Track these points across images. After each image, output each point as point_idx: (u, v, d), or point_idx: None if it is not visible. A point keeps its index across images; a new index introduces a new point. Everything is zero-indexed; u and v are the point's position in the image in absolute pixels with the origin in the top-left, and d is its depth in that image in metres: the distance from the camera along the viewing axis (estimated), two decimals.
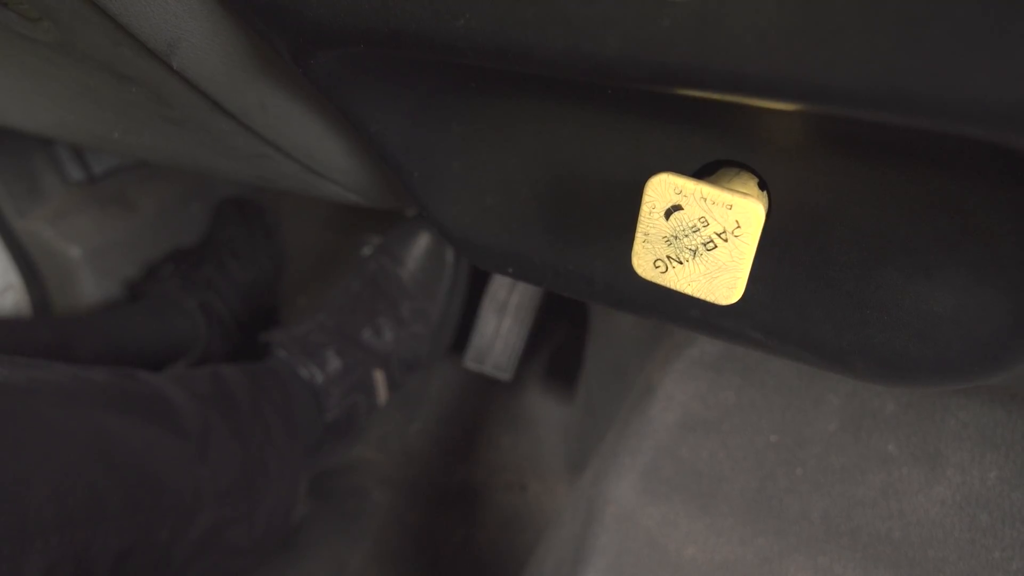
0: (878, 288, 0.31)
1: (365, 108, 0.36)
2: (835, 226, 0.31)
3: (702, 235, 0.26)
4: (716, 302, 0.27)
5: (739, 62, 0.21)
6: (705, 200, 0.25)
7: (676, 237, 0.26)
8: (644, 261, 0.28)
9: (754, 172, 0.31)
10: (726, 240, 0.26)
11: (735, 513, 0.58)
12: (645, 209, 0.26)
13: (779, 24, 0.21)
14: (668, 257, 0.27)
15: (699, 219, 0.26)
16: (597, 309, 0.91)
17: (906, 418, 0.55)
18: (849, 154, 0.29)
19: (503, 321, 0.93)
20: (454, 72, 0.34)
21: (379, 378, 0.86)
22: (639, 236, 0.27)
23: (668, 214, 0.26)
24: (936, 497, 0.53)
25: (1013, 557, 0.51)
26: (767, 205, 0.31)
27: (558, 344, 1.07)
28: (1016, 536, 0.51)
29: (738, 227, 0.25)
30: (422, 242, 0.87)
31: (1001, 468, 0.52)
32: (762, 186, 0.31)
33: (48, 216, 0.95)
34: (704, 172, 0.32)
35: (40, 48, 0.42)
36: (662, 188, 0.26)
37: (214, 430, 0.64)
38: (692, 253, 0.27)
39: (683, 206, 0.26)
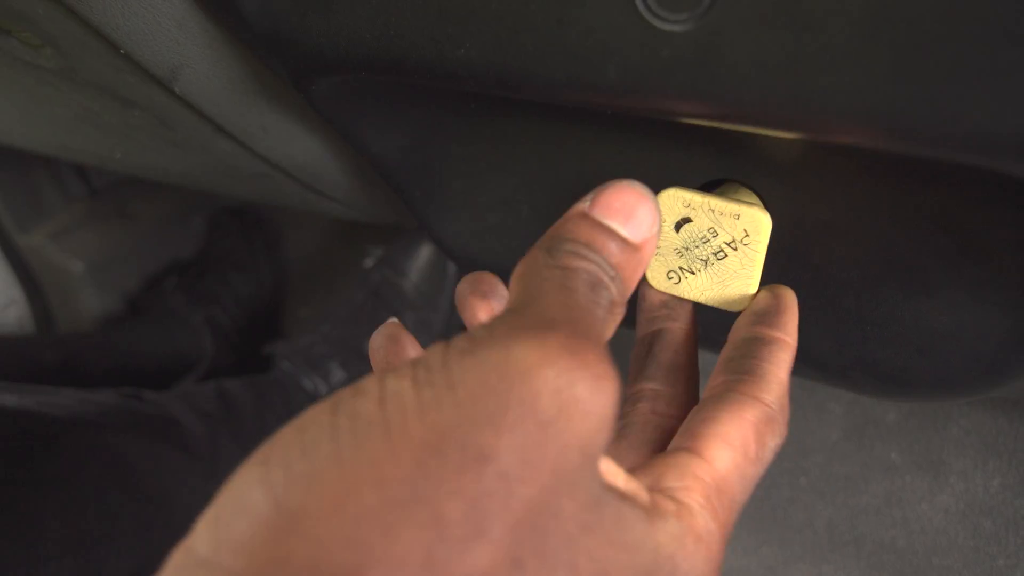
0: (878, 305, 0.31)
1: (366, 130, 0.37)
2: (835, 244, 0.31)
3: (712, 245, 0.27)
4: (729, 309, 0.28)
5: (737, 92, 0.22)
6: (713, 211, 0.26)
7: (687, 248, 0.27)
8: (657, 273, 0.28)
9: (755, 191, 0.31)
10: (735, 249, 0.27)
11: (739, 523, 0.58)
12: None
13: (777, 55, 0.21)
14: (680, 268, 0.28)
15: (708, 230, 0.27)
16: None
17: (908, 426, 0.56)
18: (848, 174, 0.29)
19: None
20: (454, 95, 0.34)
21: None
22: None
23: (678, 227, 0.27)
24: (940, 505, 0.53)
25: (1018, 564, 0.51)
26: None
27: None
28: (1020, 543, 0.51)
29: (746, 236, 0.26)
30: (424, 253, 0.88)
31: (1004, 475, 0.52)
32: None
33: (50, 231, 0.95)
34: (707, 188, 0.32)
35: (43, 74, 0.42)
36: (671, 202, 0.27)
37: (222, 447, 0.64)
38: (703, 263, 0.28)
39: (692, 218, 0.27)
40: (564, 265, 0.19)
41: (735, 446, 0.22)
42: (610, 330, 0.20)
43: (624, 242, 0.21)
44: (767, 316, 0.26)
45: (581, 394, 0.16)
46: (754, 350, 0.25)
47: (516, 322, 0.17)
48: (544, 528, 0.16)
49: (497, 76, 0.26)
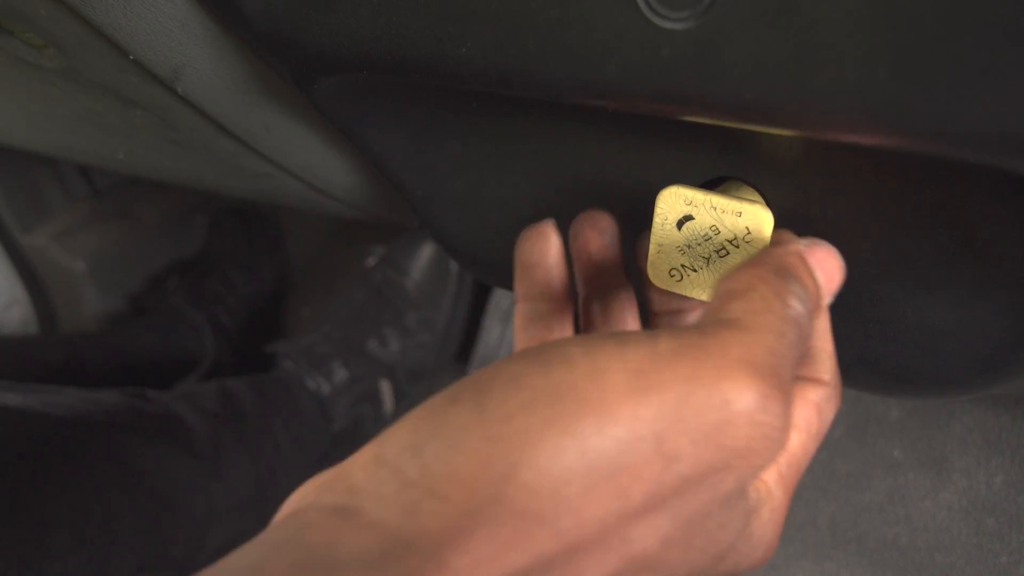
0: (880, 302, 0.31)
1: (368, 129, 0.37)
2: (836, 241, 0.31)
3: (714, 243, 0.27)
4: None
5: (738, 90, 0.22)
6: (715, 209, 0.26)
7: (689, 246, 0.27)
8: (659, 271, 0.28)
9: (756, 189, 0.31)
10: (738, 246, 0.27)
11: None
12: (658, 221, 0.27)
13: (778, 53, 0.21)
14: (683, 266, 0.28)
15: (710, 227, 0.27)
16: None
17: (911, 424, 0.56)
18: (849, 171, 0.29)
19: (507, 330, 0.93)
20: (455, 93, 0.34)
21: (385, 388, 0.87)
22: (653, 247, 0.28)
23: (680, 224, 0.27)
24: (942, 502, 0.53)
25: (1020, 561, 0.51)
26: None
27: None
28: (1023, 540, 0.51)
29: (748, 233, 0.26)
30: (426, 252, 0.88)
31: (1007, 472, 0.52)
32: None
33: (53, 231, 0.95)
34: (708, 186, 0.32)
35: (46, 74, 0.42)
36: (673, 200, 0.27)
37: (225, 446, 0.64)
38: (706, 261, 0.28)
39: (694, 216, 0.27)
40: (789, 308, 0.21)
41: (801, 427, 0.24)
42: (793, 369, 0.21)
43: (821, 308, 0.23)
44: None
45: (764, 440, 0.18)
46: None
47: (730, 349, 0.19)
48: (698, 523, 0.19)
49: (498, 75, 0.26)
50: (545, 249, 0.29)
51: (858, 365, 0.33)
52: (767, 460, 0.19)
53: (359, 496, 0.18)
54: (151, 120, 0.44)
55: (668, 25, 0.22)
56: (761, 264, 0.22)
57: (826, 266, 0.24)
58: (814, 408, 0.24)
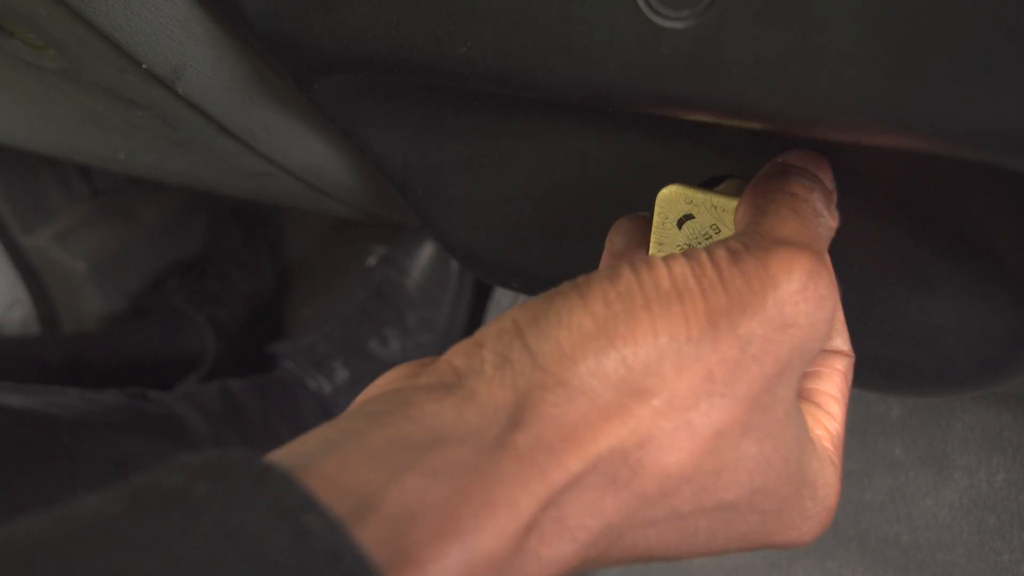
0: (881, 301, 0.31)
1: (368, 129, 0.37)
2: (837, 240, 0.31)
3: (715, 242, 0.27)
4: None
5: (738, 89, 0.22)
6: (715, 208, 0.26)
7: (690, 245, 0.27)
8: None
9: None
10: None
11: None
12: (658, 220, 0.27)
13: (778, 52, 0.21)
14: None
15: (711, 226, 0.27)
16: None
17: (912, 422, 0.56)
18: (849, 170, 0.29)
19: None
20: (456, 93, 0.34)
21: None
22: (653, 245, 0.28)
23: (681, 223, 0.27)
24: (944, 500, 0.53)
25: (1022, 560, 0.51)
26: None
27: None
28: None
29: None
30: (426, 251, 0.88)
31: (1008, 471, 0.52)
32: None
33: (54, 231, 0.95)
34: (708, 185, 0.32)
35: (46, 75, 0.42)
36: (673, 199, 0.27)
37: (227, 447, 0.64)
38: None
39: (695, 215, 0.27)
40: (795, 192, 0.24)
41: (838, 397, 0.27)
42: (827, 248, 0.25)
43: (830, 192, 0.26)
44: None
45: (811, 308, 0.21)
46: None
47: (766, 242, 0.21)
48: (767, 406, 0.21)
49: (499, 74, 0.26)
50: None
51: (859, 363, 0.33)
52: (813, 347, 0.21)
53: (459, 375, 0.20)
54: (151, 120, 0.44)
55: (668, 24, 0.22)
56: (762, 179, 0.25)
57: (809, 159, 0.26)
58: (843, 378, 0.27)
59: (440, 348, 0.91)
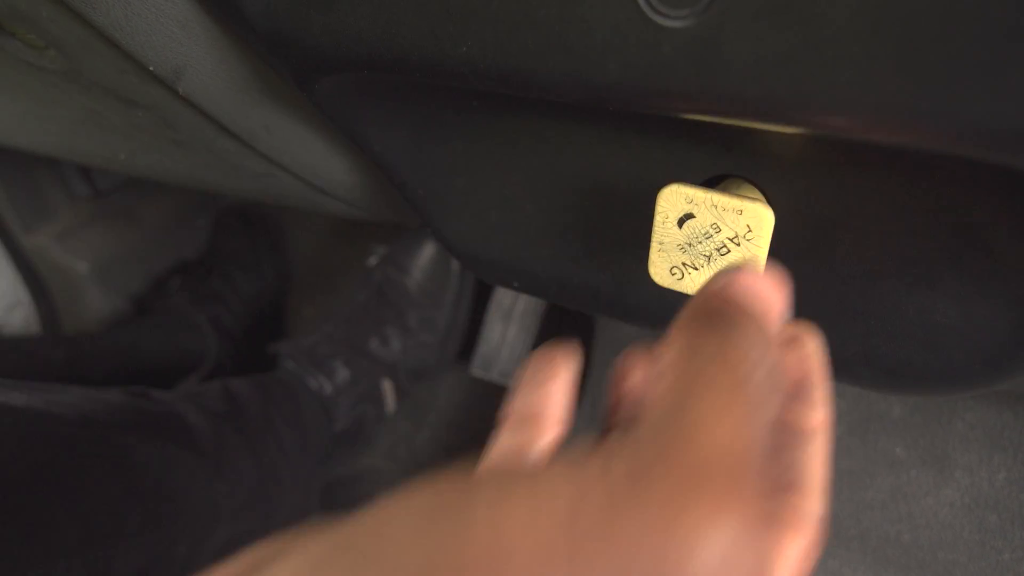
0: (882, 299, 0.31)
1: (369, 128, 0.37)
2: (838, 238, 0.31)
3: (715, 241, 0.27)
4: None
5: (738, 88, 0.22)
6: (716, 207, 0.26)
7: (690, 244, 0.27)
8: (660, 269, 0.29)
9: (757, 186, 0.31)
10: (738, 244, 0.27)
11: None
12: (659, 219, 0.27)
13: (778, 50, 0.21)
14: (684, 264, 0.28)
15: (711, 225, 0.27)
16: (603, 317, 0.91)
17: (913, 421, 0.56)
18: (851, 168, 0.29)
19: (509, 328, 0.93)
20: (456, 92, 0.34)
21: (387, 387, 0.87)
22: (654, 245, 0.28)
23: (681, 222, 0.27)
24: (945, 499, 0.53)
25: (1023, 558, 0.51)
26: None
27: None
28: None
29: (749, 231, 0.26)
30: (427, 251, 0.88)
31: (1009, 469, 0.52)
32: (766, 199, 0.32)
33: (55, 232, 0.95)
34: (709, 184, 0.32)
35: (47, 75, 0.42)
36: (674, 198, 0.27)
37: (228, 446, 0.64)
38: (706, 259, 0.28)
39: (695, 214, 0.27)
40: (754, 402, 0.16)
41: None
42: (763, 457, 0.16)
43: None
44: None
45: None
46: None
47: (682, 463, 0.14)
48: None
49: (499, 74, 0.26)
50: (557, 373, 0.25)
51: (860, 362, 0.33)
52: None
53: None
54: (152, 120, 0.44)
55: (668, 23, 0.22)
56: (687, 317, 0.17)
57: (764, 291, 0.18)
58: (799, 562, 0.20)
59: (441, 348, 0.91)
